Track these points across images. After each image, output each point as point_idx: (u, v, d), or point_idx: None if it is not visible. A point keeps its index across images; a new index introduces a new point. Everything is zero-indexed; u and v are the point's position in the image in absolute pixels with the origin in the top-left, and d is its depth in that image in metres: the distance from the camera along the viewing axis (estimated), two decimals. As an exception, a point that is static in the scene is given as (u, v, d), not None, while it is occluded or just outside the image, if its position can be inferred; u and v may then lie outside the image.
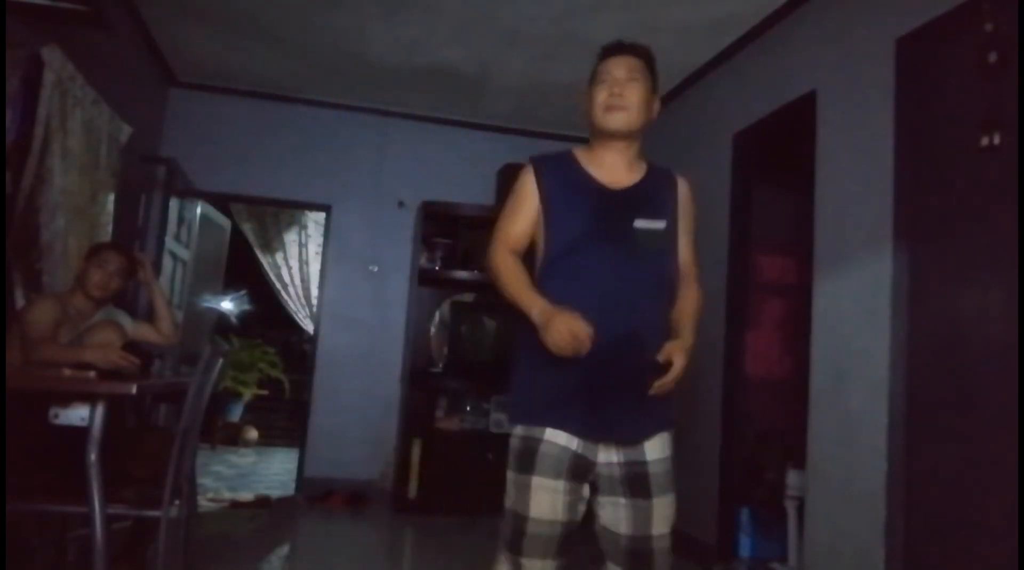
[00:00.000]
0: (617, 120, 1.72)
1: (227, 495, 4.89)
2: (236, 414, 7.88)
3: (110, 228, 3.85)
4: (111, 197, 3.84)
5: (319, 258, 6.21)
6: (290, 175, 5.23)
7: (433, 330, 5.32)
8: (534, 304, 1.61)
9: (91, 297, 2.87)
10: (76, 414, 2.09)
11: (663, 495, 1.65)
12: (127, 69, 4.23)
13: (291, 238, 7.41)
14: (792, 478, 3.41)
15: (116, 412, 2.35)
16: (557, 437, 1.62)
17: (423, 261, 5.04)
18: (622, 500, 1.64)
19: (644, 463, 1.64)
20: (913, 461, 2.60)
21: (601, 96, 1.74)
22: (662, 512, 1.64)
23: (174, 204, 4.71)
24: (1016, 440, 2.18)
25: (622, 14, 3.72)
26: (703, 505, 3.85)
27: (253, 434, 7.87)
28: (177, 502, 2.35)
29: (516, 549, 1.62)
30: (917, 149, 2.71)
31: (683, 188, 1.81)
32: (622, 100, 1.71)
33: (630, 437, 1.64)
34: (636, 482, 1.63)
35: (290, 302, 7.65)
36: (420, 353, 5.11)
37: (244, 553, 3.62)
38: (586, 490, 1.66)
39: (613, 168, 1.75)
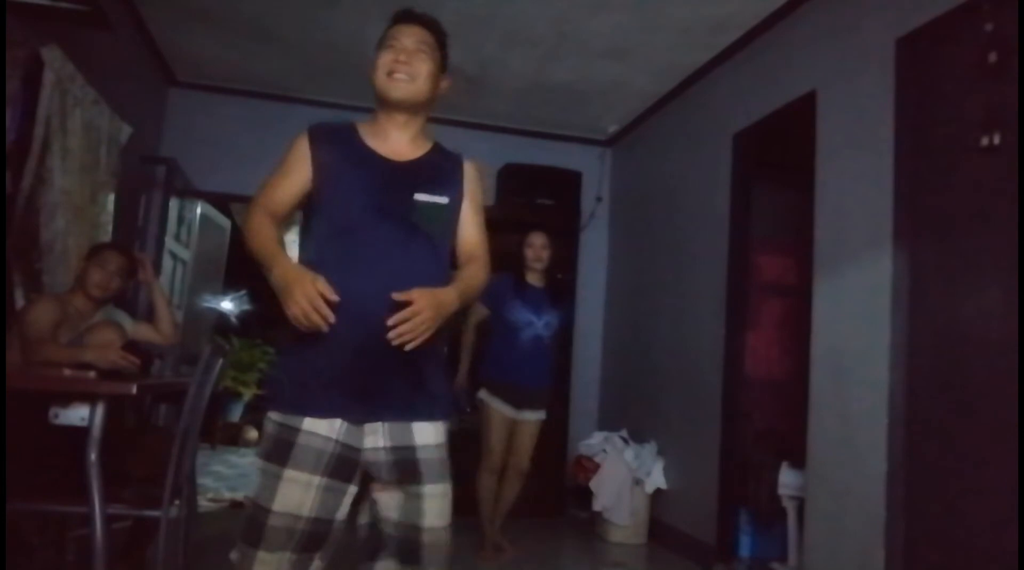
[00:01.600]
0: (400, 89, 1.63)
1: (227, 495, 4.89)
2: (236, 414, 7.88)
3: (110, 228, 3.85)
4: (111, 197, 3.84)
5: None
6: (290, 175, 5.22)
7: (433, 330, 5.31)
8: (276, 263, 1.47)
9: (91, 297, 2.87)
10: (76, 414, 2.09)
11: (436, 483, 1.56)
12: (127, 69, 4.23)
13: (291, 238, 7.40)
14: (785, 476, 3.41)
15: (116, 412, 2.35)
16: (318, 427, 1.51)
17: (423, 261, 5.02)
18: (391, 488, 1.56)
19: (412, 448, 1.55)
20: (913, 461, 2.60)
21: (385, 60, 1.65)
22: (435, 503, 1.55)
23: (174, 204, 4.70)
24: (1016, 440, 2.18)
25: (622, 14, 3.72)
26: (703, 505, 3.85)
27: (253, 434, 7.86)
28: (177, 502, 2.35)
29: (253, 541, 1.51)
30: (917, 149, 2.71)
31: (470, 169, 1.75)
32: (408, 68, 1.63)
33: (396, 417, 1.55)
34: (405, 467, 1.55)
35: (290, 302, 7.64)
36: (420, 353, 5.10)
37: (244, 553, 3.63)
38: (351, 488, 1.55)
39: (396, 142, 1.67)
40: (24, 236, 3.08)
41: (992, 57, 2.39)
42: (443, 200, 1.65)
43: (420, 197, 1.61)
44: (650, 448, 4.37)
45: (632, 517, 4.26)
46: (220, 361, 2.54)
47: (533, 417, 3.82)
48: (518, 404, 3.76)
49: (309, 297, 1.40)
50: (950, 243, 2.55)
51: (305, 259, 1.58)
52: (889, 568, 2.60)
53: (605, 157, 5.67)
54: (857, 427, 2.82)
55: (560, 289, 4.03)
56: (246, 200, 7.17)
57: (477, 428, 3.85)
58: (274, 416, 1.55)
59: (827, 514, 2.95)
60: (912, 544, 2.57)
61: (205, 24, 4.19)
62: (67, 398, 2.10)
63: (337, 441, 1.52)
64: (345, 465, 1.53)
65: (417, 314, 1.46)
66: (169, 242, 4.68)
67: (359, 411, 1.54)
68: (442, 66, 1.73)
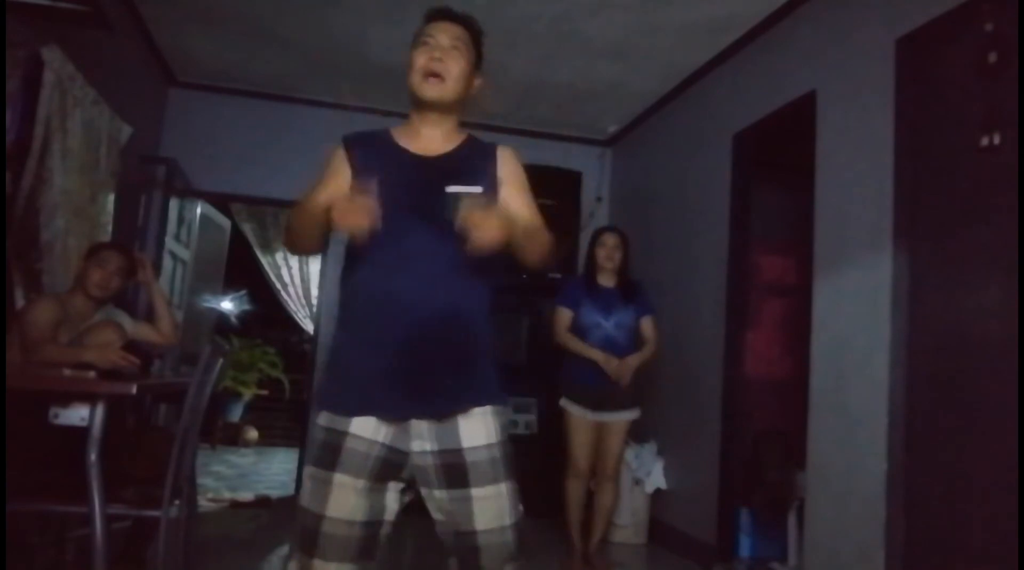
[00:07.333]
0: (433, 89, 1.61)
1: (227, 495, 4.89)
2: (236, 414, 7.88)
3: (110, 228, 3.85)
4: (111, 197, 3.84)
5: (319, 258, 6.21)
6: (290, 175, 5.21)
7: (433, 330, 5.31)
8: (317, 197, 1.54)
9: (91, 297, 2.87)
10: (76, 414, 2.09)
11: (487, 485, 1.51)
12: (127, 69, 4.23)
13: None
14: (795, 479, 3.41)
15: (116, 412, 2.35)
16: (364, 430, 1.50)
17: (423, 261, 5.03)
18: (437, 493, 1.52)
19: (459, 451, 1.51)
20: (913, 461, 2.60)
21: (420, 60, 1.62)
22: (488, 504, 1.51)
23: (174, 204, 4.71)
24: (1016, 440, 2.18)
25: (622, 14, 3.72)
26: (703, 505, 3.85)
27: (253, 434, 7.88)
28: (177, 502, 2.35)
29: (309, 550, 1.49)
30: (917, 149, 2.71)
31: (504, 153, 1.71)
32: (441, 67, 1.61)
33: (443, 411, 1.53)
34: (451, 472, 1.51)
35: (290, 302, 7.66)
36: (420, 353, 5.10)
37: (244, 553, 3.62)
38: (393, 491, 1.55)
39: (427, 138, 1.66)
40: (24, 236, 3.08)
41: (992, 57, 2.39)
42: (476, 189, 1.59)
43: (453, 189, 1.58)
44: (650, 448, 4.37)
45: (632, 517, 4.26)
46: (220, 361, 2.55)
47: (615, 418, 3.62)
48: (596, 405, 3.59)
49: (349, 205, 1.45)
50: (950, 243, 2.55)
51: (349, 263, 1.62)
52: (889, 568, 2.60)
53: (605, 157, 5.67)
54: (857, 427, 2.81)
55: (633, 287, 3.77)
56: (246, 200, 7.14)
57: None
58: (322, 422, 1.55)
59: (827, 514, 2.95)
60: (912, 544, 2.57)
61: (205, 24, 4.20)
62: (67, 398, 2.10)
63: (383, 444, 1.51)
64: (390, 466, 1.52)
65: (486, 218, 1.42)
66: (169, 242, 4.68)
67: (404, 408, 1.52)
68: (476, 65, 1.71)
